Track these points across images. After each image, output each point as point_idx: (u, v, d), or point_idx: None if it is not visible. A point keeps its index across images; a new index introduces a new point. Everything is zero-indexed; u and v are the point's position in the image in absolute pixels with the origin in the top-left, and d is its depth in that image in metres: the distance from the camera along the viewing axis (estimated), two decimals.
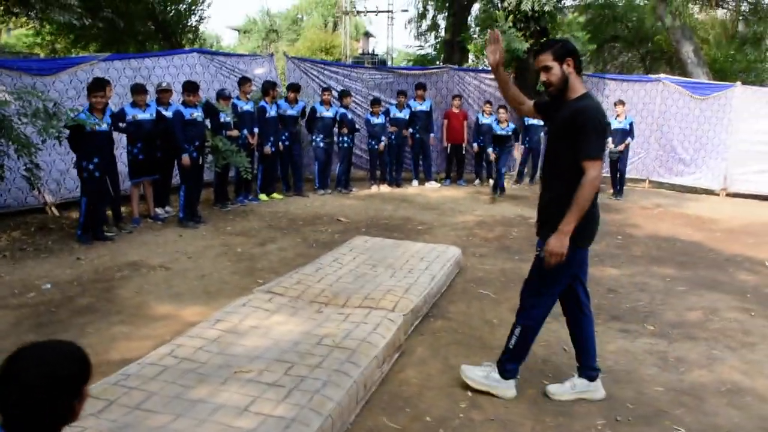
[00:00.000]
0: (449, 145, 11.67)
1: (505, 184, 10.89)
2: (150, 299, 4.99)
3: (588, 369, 3.54)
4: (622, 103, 10.64)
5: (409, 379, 3.70)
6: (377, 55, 22.11)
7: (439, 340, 4.31)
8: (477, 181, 12.06)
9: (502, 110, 10.70)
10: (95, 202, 6.56)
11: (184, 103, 7.46)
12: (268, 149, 9.20)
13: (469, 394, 3.52)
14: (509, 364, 3.47)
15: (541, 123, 11.02)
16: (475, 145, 11.75)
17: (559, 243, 3.09)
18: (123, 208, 8.24)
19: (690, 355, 4.21)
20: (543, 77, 3.20)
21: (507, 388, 3.49)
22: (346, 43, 22.05)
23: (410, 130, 11.04)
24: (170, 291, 5.21)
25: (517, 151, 11.45)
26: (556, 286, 3.35)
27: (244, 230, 7.47)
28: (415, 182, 11.47)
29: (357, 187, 10.81)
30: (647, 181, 12.20)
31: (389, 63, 22.06)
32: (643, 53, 17.64)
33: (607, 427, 3.26)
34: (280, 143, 9.42)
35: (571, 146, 3.10)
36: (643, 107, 11.64)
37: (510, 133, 10.87)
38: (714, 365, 4.07)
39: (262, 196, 9.44)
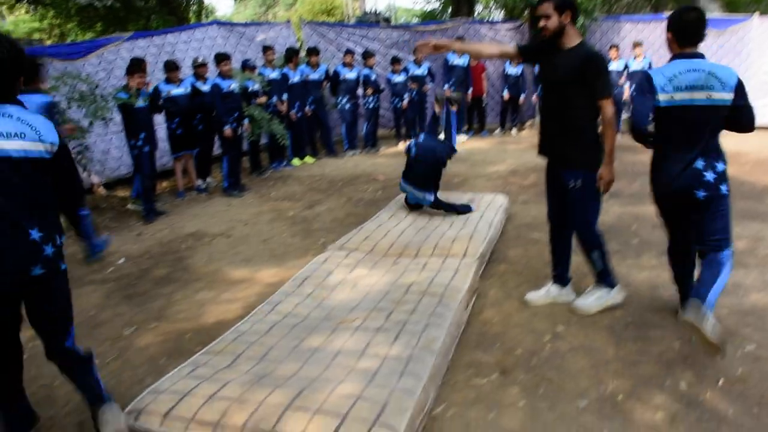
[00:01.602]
0: (470, 98, 11.78)
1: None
2: (222, 265, 5.24)
3: (562, 278, 4.14)
4: (639, 44, 10.67)
5: (490, 318, 3.95)
6: (380, 13, 21.84)
7: (507, 283, 4.55)
8: (498, 131, 12.23)
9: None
10: (149, 177, 6.76)
11: (221, 76, 7.60)
12: (293, 115, 9.34)
13: (558, 328, 3.78)
14: (606, 278, 3.97)
15: None
16: (506, 93, 11.89)
17: (610, 173, 3.61)
18: (164, 183, 8.49)
19: (746, 281, 4.43)
20: (541, 23, 3.60)
21: (615, 295, 4.00)
22: (348, 4, 21.86)
23: (447, 84, 11.22)
24: (239, 257, 5.45)
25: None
26: (596, 205, 3.81)
27: (288, 195, 7.68)
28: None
29: (384, 145, 10.98)
30: None
31: (392, 21, 21.88)
32: None
33: (684, 347, 3.51)
34: (306, 108, 9.57)
35: (582, 88, 3.53)
36: (660, 46, 11.61)
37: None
38: None
39: (295, 161, 9.63)
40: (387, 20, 21.56)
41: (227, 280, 4.90)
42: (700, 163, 3.26)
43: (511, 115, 12.31)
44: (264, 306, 3.77)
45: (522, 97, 11.99)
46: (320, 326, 3.39)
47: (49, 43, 17.21)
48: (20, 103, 2.52)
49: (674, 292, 4.23)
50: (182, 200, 7.64)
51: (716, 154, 3.30)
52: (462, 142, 11.43)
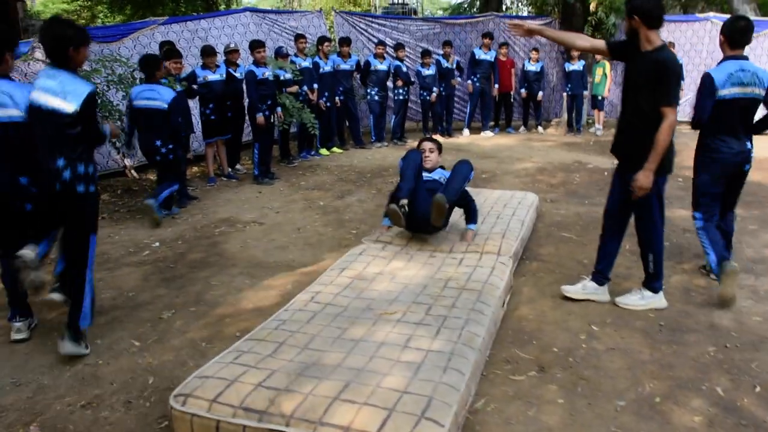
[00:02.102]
0: (498, 93, 11.75)
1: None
2: (257, 252, 5.31)
3: (602, 276, 4.21)
4: (671, 44, 10.58)
5: (525, 316, 3.99)
6: (407, 4, 21.82)
7: (540, 281, 4.58)
8: (522, 128, 12.20)
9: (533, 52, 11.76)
10: (184, 162, 6.86)
11: (255, 63, 7.67)
12: (322, 104, 9.36)
13: (592, 327, 3.81)
14: (655, 282, 4.10)
15: (581, 69, 11.21)
16: (523, 90, 11.85)
17: (646, 179, 3.67)
18: (194, 168, 8.59)
19: None
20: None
21: (660, 300, 4.12)
22: None
23: (472, 78, 11.22)
24: (273, 244, 5.52)
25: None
26: (659, 211, 3.96)
27: (318, 184, 7.75)
28: (466, 131, 11.65)
29: (411, 138, 11.00)
30: None
31: (419, 13, 21.90)
32: None
33: (719, 352, 3.53)
34: (336, 98, 9.61)
35: (652, 93, 3.61)
36: (690, 48, 11.55)
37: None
38: None
39: (323, 151, 9.69)
40: (414, 12, 21.57)
41: (263, 266, 4.98)
42: (749, 144, 4.27)
43: (534, 113, 12.25)
44: (303, 295, 3.83)
45: (540, 95, 11.91)
46: (361, 317, 3.44)
47: None
48: (74, 70, 3.50)
49: (707, 296, 4.27)
50: (213, 186, 7.74)
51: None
52: (488, 137, 11.44)
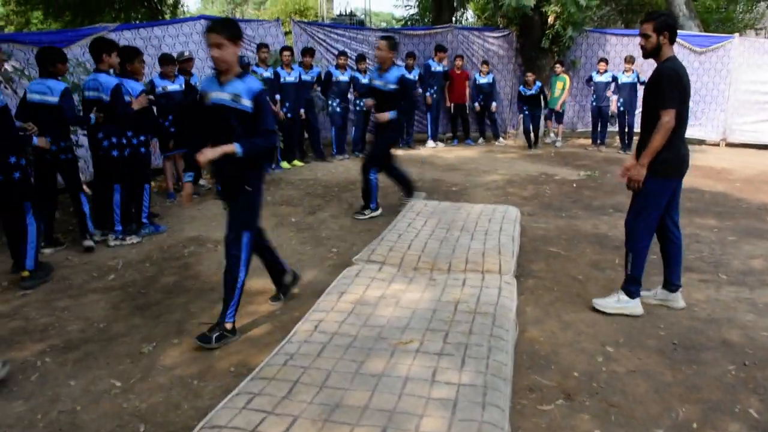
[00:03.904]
0: (452, 105, 11.68)
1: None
2: None
3: (671, 283, 4.24)
4: (631, 59, 10.74)
5: (536, 338, 3.80)
6: (355, 15, 21.65)
7: (541, 299, 4.41)
8: (481, 140, 12.17)
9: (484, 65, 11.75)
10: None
11: None
12: (283, 115, 9.00)
13: (607, 348, 3.65)
14: (632, 286, 4.12)
15: (536, 92, 11.24)
16: (476, 104, 11.81)
17: (636, 172, 3.87)
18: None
19: None
20: (641, 41, 3.88)
21: (635, 306, 4.13)
22: (322, 5, 21.59)
23: (429, 91, 11.12)
24: (251, 265, 5.14)
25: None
26: (651, 212, 3.98)
27: (285, 199, 7.40)
28: (430, 142, 11.50)
29: None
30: None
31: (366, 23, 21.76)
32: (622, 7, 17.66)
33: (740, 371, 3.43)
34: (301, 110, 9.28)
35: (654, 100, 3.80)
36: (644, 61, 11.75)
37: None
38: None
39: (284, 164, 9.32)
40: (361, 23, 21.44)
41: (245, 290, 4.61)
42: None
43: (491, 125, 12.23)
44: (304, 324, 3.51)
45: (494, 105, 11.92)
46: (375, 348, 3.16)
47: (8, 30, 16.41)
48: (55, 78, 5.34)
49: (710, 311, 4.19)
50: (173, 202, 7.28)
51: None
52: (440, 149, 11.31)
